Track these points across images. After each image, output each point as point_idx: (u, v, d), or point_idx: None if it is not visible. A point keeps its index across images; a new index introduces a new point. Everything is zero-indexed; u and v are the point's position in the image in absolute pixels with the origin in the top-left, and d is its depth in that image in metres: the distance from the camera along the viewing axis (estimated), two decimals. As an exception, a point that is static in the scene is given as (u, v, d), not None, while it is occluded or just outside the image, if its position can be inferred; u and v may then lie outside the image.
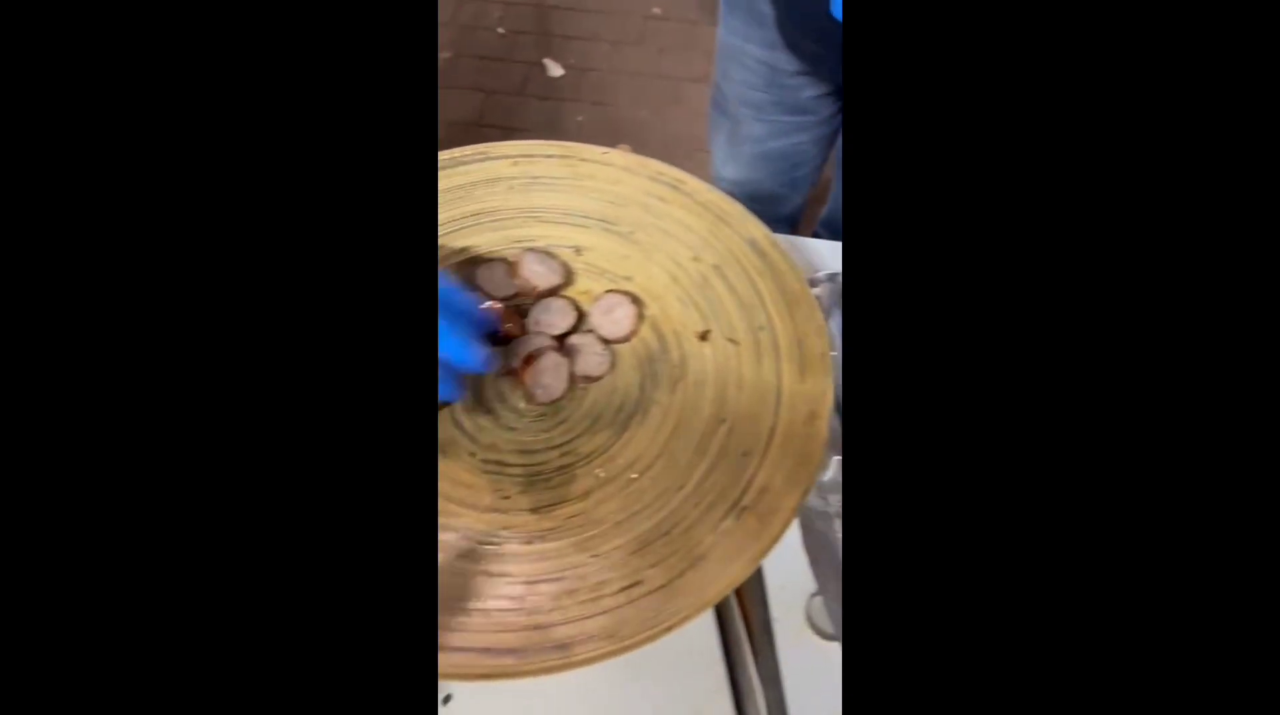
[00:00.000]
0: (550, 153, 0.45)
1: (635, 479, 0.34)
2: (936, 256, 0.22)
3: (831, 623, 0.29)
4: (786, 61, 0.62)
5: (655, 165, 0.44)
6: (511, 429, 0.37)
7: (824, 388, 0.35)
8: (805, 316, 0.38)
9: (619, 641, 0.28)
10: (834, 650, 0.28)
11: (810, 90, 0.65)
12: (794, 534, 0.32)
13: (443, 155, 0.45)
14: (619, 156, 0.45)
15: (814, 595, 0.31)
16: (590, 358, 0.38)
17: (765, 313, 0.38)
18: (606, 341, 0.39)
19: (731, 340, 0.38)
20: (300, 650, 0.21)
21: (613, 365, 0.39)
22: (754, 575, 0.32)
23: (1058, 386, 0.21)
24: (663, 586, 0.29)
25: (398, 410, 0.23)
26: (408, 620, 0.22)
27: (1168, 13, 0.21)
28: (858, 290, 0.23)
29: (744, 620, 0.31)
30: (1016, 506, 0.21)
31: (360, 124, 0.23)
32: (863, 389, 0.23)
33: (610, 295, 0.41)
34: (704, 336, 0.38)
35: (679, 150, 1.39)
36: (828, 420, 0.34)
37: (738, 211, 0.42)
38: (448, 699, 0.32)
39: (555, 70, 1.54)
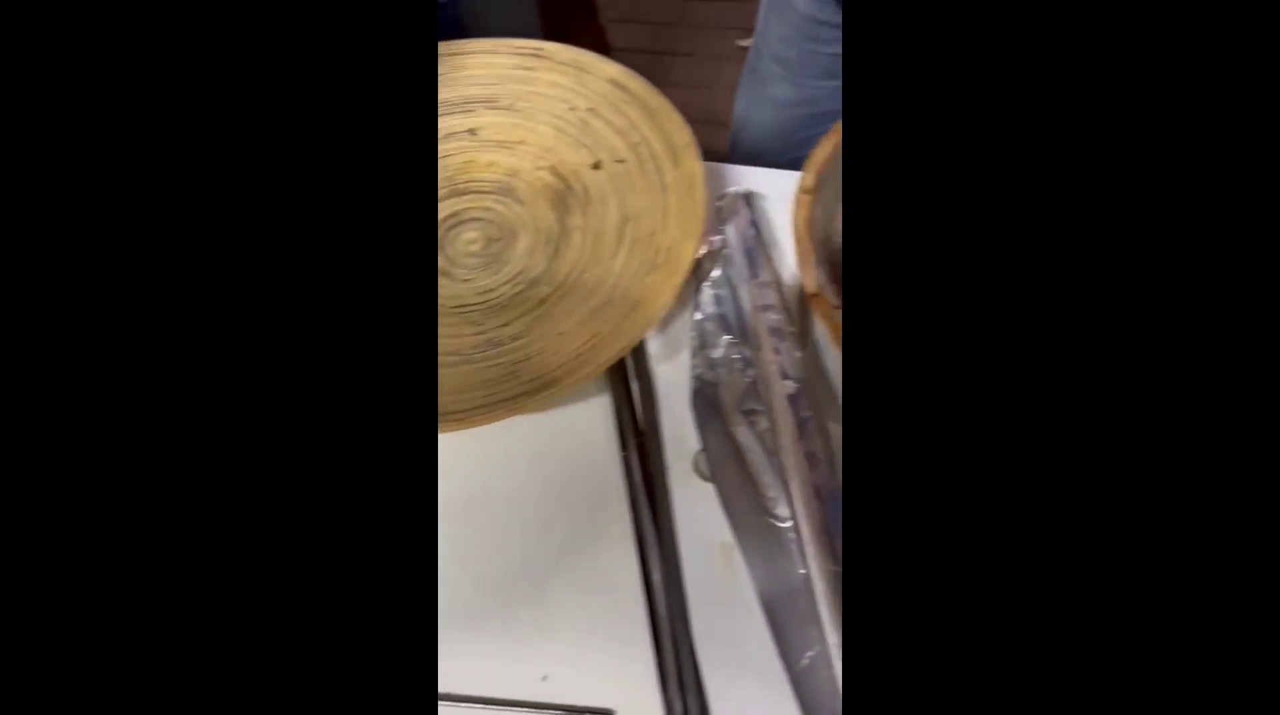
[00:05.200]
0: None
1: (577, 278, 0.45)
2: (936, 249, 0.22)
3: (710, 470, 0.40)
4: (831, 13, 0.62)
5: (513, 43, 0.52)
6: (466, 280, 0.46)
7: (694, 168, 0.44)
8: (667, 120, 0.47)
9: (592, 363, 0.39)
10: (710, 489, 0.39)
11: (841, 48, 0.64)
12: (685, 399, 0.42)
13: None
14: (479, 44, 0.52)
15: (699, 451, 0.41)
16: None
17: (638, 131, 0.48)
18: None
19: (619, 160, 0.48)
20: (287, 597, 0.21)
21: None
22: (652, 435, 0.42)
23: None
24: (614, 329, 0.41)
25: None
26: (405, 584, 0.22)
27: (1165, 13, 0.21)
28: (858, 294, 0.23)
29: (643, 468, 0.40)
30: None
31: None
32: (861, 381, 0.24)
33: None
34: (597, 166, 0.48)
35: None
36: (704, 188, 0.43)
37: (591, 59, 0.50)
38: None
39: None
